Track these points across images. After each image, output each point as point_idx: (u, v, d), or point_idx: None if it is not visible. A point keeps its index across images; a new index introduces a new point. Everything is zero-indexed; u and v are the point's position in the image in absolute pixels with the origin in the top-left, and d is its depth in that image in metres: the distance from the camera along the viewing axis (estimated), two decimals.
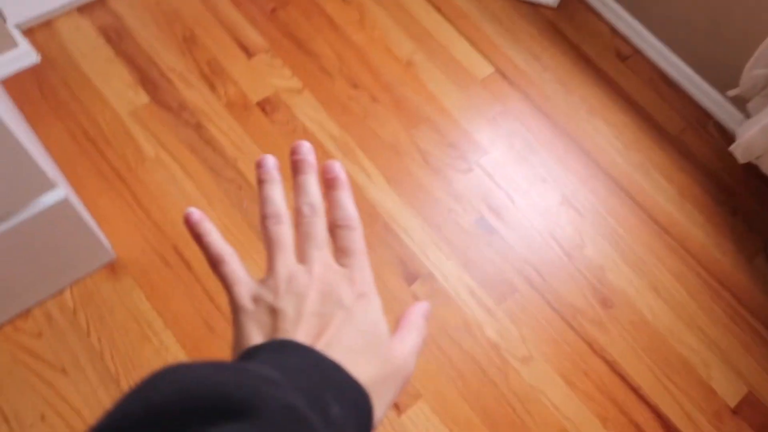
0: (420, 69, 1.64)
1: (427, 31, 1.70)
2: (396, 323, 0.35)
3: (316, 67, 1.59)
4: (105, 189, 1.35)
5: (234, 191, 1.39)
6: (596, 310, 1.40)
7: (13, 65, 1.43)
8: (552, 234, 1.48)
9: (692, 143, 1.67)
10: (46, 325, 1.21)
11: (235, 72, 1.54)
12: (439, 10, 1.73)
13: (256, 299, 0.32)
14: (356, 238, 0.35)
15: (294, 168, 0.37)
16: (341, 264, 0.34)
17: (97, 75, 1.48)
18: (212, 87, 1.51)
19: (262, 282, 0.33)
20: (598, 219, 1.52)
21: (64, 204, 0.97)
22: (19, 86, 1.43)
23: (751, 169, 1.63)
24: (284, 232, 0.34)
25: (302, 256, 0.34)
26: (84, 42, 1.51)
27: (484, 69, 1.67)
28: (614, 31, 1.80)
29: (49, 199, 0.94)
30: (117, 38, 1.53)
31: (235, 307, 0.32)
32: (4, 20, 1.35)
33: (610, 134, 1.64)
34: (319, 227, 0.35)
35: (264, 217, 0.35)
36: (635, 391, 1.34)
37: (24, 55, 1.44)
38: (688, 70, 1.70)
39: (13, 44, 1.40)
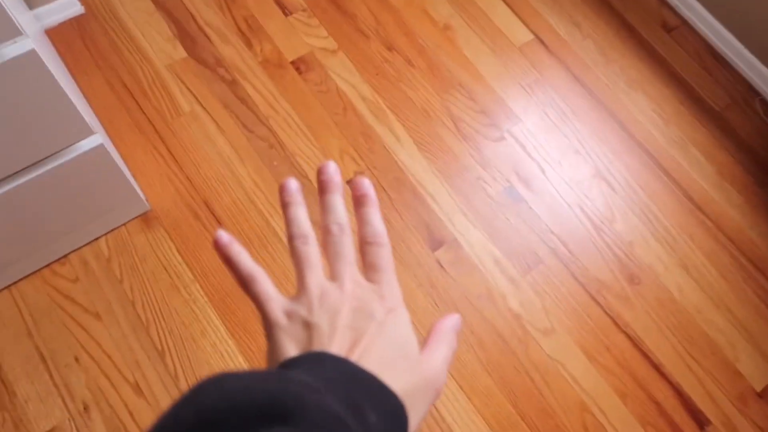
0: (457, 33, 1.61)
1: None
2: (425, 336, 0.35)
3: (352, 28, 1.58)
4: (141, 141, 1.38)
5: (265, 149, 1.41)
6: (622, 285, 1.39)
7: (58, 15, 1.46)
8: (581, 206, 1.46)
9: (736, 121, 1.61)
10: (82, 271, 1.26)
11: (271, 30, 1.54)
12: None
13: (290, 315, 0.33)
14: (385, 254, 0.36)
15: (321, 188, 0.38)
16: (370, 280, 0.35)
17: (137, 27, 1.50)
18: (249, 44, 1.51)
19: (295, 299, 0.34)
20: (630, 194, 1.49)
21: (101, 149, 0.99)
22: (63, 36, 1.46)
23: None
24: (312, 251, 0.35)
25: (333, 273, 0.35)
26: None
27: (523, 35, 1.64)
28: (662, 0, 1.73)
29: (87, 144, 0.97)
30: None
31: (269, 324, 0.33)
32: None
33: (648, 108, 1.59)
34: (347, 245, 0.36)
35: (292, 238, 0.36)
36: (657, 368, 1.33)
37: (68, 5, 1.46)
38: (738, 44, 1.63)
39: None
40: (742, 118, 1.61)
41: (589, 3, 1.70)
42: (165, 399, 1.18)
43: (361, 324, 0.32)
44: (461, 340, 1.29)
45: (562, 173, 1.49)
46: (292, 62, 1.51)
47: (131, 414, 1.16)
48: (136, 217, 1.31)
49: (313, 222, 0.36)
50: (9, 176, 0.94)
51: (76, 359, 1.19)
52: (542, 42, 1.64)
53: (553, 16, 1.67)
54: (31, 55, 0.76)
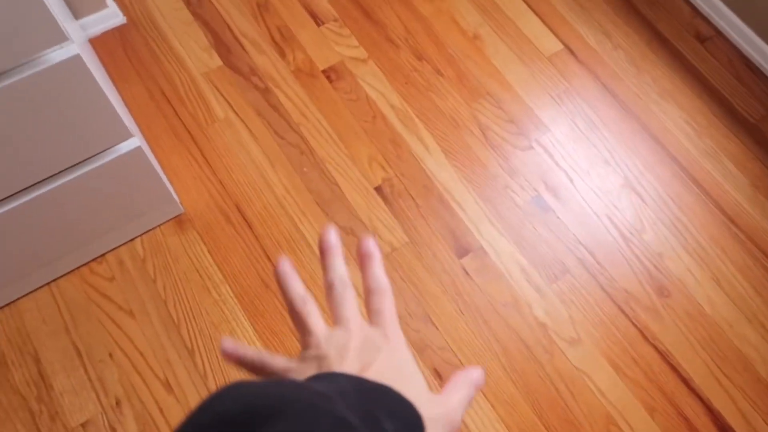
0: (486, 42, 1.62)
1: (496, 4, 1.67)
2: (444, 382, 0.36)
3: (383, 37, 1.60)
4: (177, 146, 1.43)
5: (296, 156, 1.44)
6: (651, 297, 1.37)
7: (102, 25, 1.53)
8: (610, 217, 1.45)
9: None
10: (118, 270, 1.30)
11: (304, 39, 1.58)
12: None
13: (302, 359, 0.34)
14: (388, 301, 0.37)
15: (323, 252, 0.40)
16: (374, 324, 0.36)
17: (175, 37, 1.55)
18: (282, 53, 1.55)
19: (304, 345, 0.35)
20: (660, 204, 1.47)
21: (138, 152, 1.03)
22: (106, 45, 1.52)
23: None
24: (315, 310, 0.37)
25: (337, 319, 0.36)
26: (165, 5, 1.59)
27: (553, 45, 1.64)
28: (695, 10, 1.71)
29: (126, 147, 1.01)
30: (196, 2, 1.60)
31: (284, 373, 0.35)
32: None
33: (680, 119, 1.58)
34: (350, 297, 0.37)
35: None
36: (686, 383, 1.31)
37: (112, 16, 1.53)
38: None
39: (104, 5, 1.49)
40: None
41: (620, 13, 1.70)
42: (194, 397, 1.21)
43: (369, 354, 0.34)
44: (486, 348, 1.29)
45: (590, 183, 1.48)
46: (324, 71, 1.55)
47: (161, 410, 1.19)
48: (171, 220, 1.35)
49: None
50: (52, 176, 0.99)
51: (110, 355, 1.23)
52: (571, 51, 1.64)
53: (582, 25, 1.67)
54: (76, 59, 0.81)
